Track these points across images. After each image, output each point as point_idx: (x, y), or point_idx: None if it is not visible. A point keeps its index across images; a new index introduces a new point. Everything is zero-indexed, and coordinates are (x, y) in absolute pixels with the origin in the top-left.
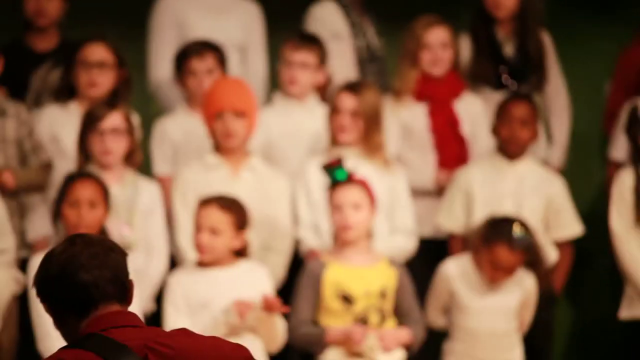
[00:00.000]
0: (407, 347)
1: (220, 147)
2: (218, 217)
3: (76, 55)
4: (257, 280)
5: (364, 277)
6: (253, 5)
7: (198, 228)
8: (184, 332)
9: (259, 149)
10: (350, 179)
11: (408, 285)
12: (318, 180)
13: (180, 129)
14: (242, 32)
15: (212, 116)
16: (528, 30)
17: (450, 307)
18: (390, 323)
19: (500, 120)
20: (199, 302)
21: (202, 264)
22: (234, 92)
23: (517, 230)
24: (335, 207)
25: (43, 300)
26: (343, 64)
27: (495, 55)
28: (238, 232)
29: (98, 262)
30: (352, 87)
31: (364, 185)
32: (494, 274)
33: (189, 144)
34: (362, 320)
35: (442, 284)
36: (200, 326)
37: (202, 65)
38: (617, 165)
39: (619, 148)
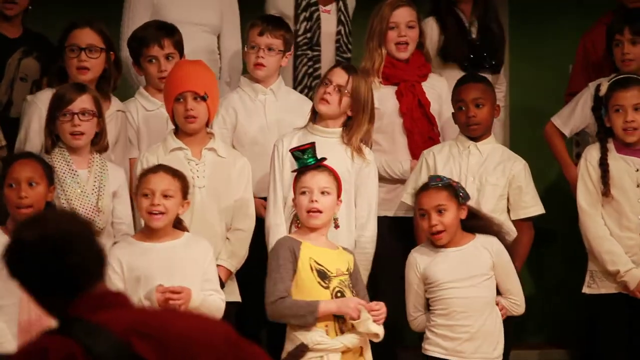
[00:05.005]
0: None
1: (182, 129)
2: (169, 182)
3: (65, 40)
4: (199, 253)
5: (334, 257)
6: None
7: (150, 193)
8: (171, 313)
9: (227, 132)
10: (319, 164)
11: (359, 272)
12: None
13: (140, 113)
14: (216, 15)
15: (173, 99)
16: (489, 12)
17: (427, 294)
18: None
19: (456, 105)
20: (138, 276)
21: (143, 237)
22: (194, 74)
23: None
24: (302, 191)
25: (20, 282)
26: None
27: (463, 36)
28: (183, 201)
29: (82, 243)
30: (347, 67)
31: (334, 173)
32: (428, 227)
33: (150, 128)
34: (339, 297)
35: (411, 272)
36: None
37: (162, 51)
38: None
39: (563, 118)
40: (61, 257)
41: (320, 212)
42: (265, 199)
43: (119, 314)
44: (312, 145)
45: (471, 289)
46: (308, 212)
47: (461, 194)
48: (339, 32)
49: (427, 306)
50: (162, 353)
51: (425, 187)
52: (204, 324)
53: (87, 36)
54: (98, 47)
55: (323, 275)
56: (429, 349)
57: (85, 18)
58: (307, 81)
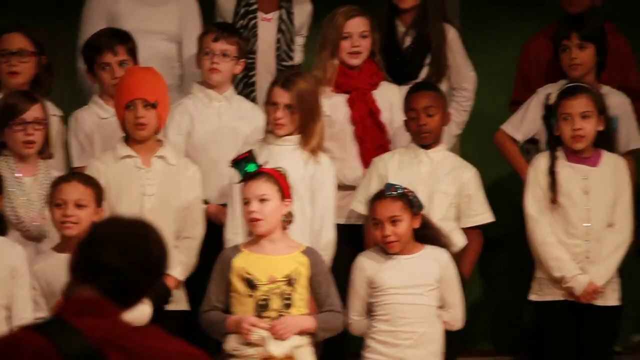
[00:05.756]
0: (313, 334)
1: (131, 137)
2: (82, 191)
3: None
4: None
5: (270, 264)
6: None
7: (62, 203)
8: (153, 331)
9: (181, 138)
10: (258, 171)
11: (323, 274)
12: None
13: (94, 121)
14: (176, 23)
15: (123, 106)
16: (428, 21)
17: (371, 298)
18: (299, 310)
19: (407, 113)
20: (55, 290)
21: (61, 248)
22: (144, 82)
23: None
24: (245, 202)
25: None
26: None
27: (392, 48)
28: (97, 209)
29: (130, 251)
30: (284, 83)
31: (274, 176)
32: (381, 237)
33: (104, 136)
34: (262, 305)
35: (358, 276)
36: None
37: (115, 58)
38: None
39: (513, 124)
40: (104, 249)
41: (259, 220)
42: (224, 205)
43: (101, 322)
44: (249, 153)
45: (415, 296)
46: (249, 221)
47: (416, 204)
48: (278, 41)
49: (369, 312)
50: None
51: (380, 196)
52: (184, 349)
53: (17, 41)
54: (28, 51)
55: (250, 284)
56: (369, 357)
57: (16, 23)
58: (242, 88)
